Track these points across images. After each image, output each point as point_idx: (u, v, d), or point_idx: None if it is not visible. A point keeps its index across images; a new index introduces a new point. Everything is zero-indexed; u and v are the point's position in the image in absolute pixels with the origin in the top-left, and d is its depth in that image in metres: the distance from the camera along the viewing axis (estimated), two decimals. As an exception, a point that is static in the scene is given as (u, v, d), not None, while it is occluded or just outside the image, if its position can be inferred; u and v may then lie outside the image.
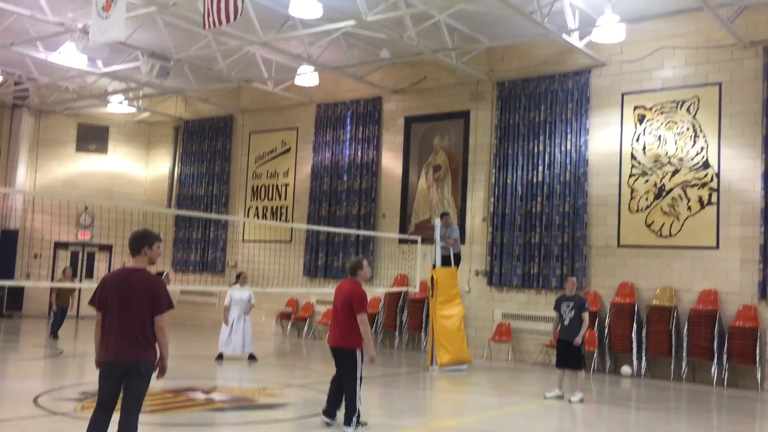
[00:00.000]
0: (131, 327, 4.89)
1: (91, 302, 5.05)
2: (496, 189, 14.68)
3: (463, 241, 14.48)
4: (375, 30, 12.52)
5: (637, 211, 13.15)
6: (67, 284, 14.69)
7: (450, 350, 12.36)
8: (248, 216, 18.94)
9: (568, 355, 9.74)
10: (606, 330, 12.97)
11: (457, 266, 13.33)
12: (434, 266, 13.00)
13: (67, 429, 7.07)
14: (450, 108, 15.69)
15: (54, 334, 14.87)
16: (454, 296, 12.92)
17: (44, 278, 19.43)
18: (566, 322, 9.75)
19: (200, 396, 9.02)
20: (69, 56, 14.90)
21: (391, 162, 16.55)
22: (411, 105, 16.38)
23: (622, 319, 12.81)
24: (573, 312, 9.71)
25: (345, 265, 7.63)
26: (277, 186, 18.61)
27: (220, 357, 12.71)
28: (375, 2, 11.69)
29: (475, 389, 11.20)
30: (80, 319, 18.32)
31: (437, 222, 13.21)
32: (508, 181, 14.55)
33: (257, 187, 18.99)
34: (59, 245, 20.30)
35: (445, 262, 13.05)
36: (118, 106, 19.96)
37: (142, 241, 5.08)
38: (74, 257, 20.59)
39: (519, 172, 14.44)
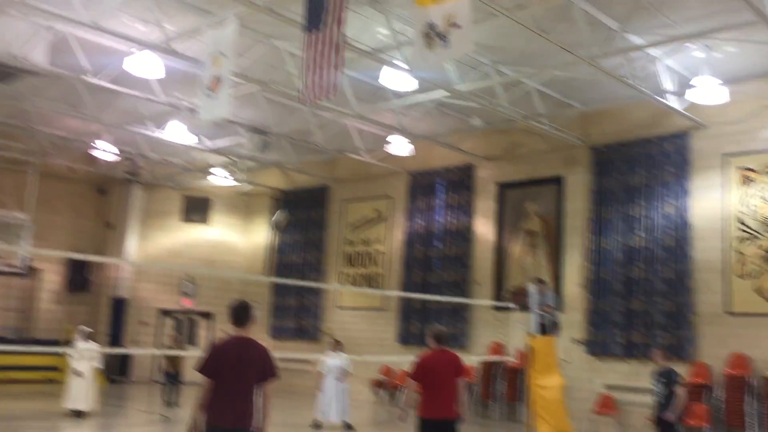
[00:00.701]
0: (246, 394, 5.16)
1: (201, 370, 5.18)
2: (593, 254, 14.30)
3: (560, 308, 14.10)
4: (466, 99, 12.71)
5: (747, 277, 12.48)
6: (175, 351, 15.09)
7: (550, 422, 11.91)
8: (342, 283, 19.17)
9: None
10: (718, 404, 12.19)
11: (555, 334, 12.96)
12: (531, 334, 12.69)
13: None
14: (543, 174, 15.57)
15: (168, 400, 15.18)
16: (552, 366, 12.52)
17: (150, 345, 20.20)
18: (659, 398, 9.24)
19: (297, 465, 9.02)
20: (177, 133, 15.85)
21: (484, 228, 16.48)
22: (503, 171, 16.37)
23: (736, 393, 12.02)
24: (663, 387, 9.17)
25: (435, 333, 7.51)
26: (370, 253, 18.82)
27: (316, 425, 12.73)
28: (466, 72, 11.93)
29: (578, 465, 10.69)
30: (184, 385, 18.81)
31: (532, 288, 12.96)
32: (606, 246, 14.17)
33: (351, 254, 19.26)
34: (164, 313, 21.12)
35: (542, 330, 12.72)
36: (220, 178, 20.92)
37: (250, 311, 5.41)
38: (178, 324, 21.34)
39: (617, 237, 14.05)
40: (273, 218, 12.85)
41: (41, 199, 19.83)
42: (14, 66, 11.49)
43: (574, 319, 14.49)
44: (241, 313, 5.37)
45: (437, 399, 7.10)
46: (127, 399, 17.31)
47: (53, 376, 18.41)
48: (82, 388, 12.87)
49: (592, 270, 14.27)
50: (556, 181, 15.32)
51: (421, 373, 7.19)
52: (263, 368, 5.25)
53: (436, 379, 7.13)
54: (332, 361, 12.92)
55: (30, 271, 19.57)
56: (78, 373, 12.90)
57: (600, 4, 9.97)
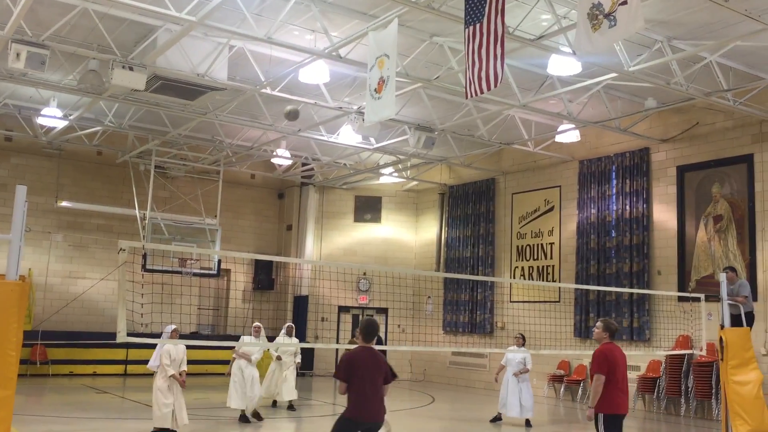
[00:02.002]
0: (379, 392, 6.27)
1: (338, 375, 6.30)
2: (793, 238, 13.04)
3: (755, 297, 13.00)
4: (638, 80, 12.06)
5: None
6: (354, 346, 15.69)
7: (748, 421, 10.98)
8: (514, 276, 18.93)
9: None
10: None
11: (750, 326, 11.95)
12: (722, 326, 11.80)
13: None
14: (729, 153, 14.42)
15: None
16: (748, 360, 11.53)
17: (331, 341, 21.16)
18: None
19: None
20: (346, 136, 16.45)
21: (663, 215, 15.56)
22: (683, 153, 15.36)
23: None
24: None
25: (609, 326, 7.27)
26: (542, 245, 18.43)
27: (496, 419, 12.70)
28: (637, 51, 11.32)
29: (784, 468, 9.80)
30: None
31: (722, 277, 12.04)
32: (807, 228, 12.86)
33: (522, 247, 18.97)
34: (342, 309, 22.01)
35: (736, 321, 11.78)
36: (389, 177, 21.43)
37: (377, 330, 6.58)
38: (355, 320, 22.14)
39: (820, 218, 12.71)
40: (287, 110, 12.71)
41: (227, 205, 21.43)
42: (200, 84, 12.46)
43: (772, 309, 13.31)
44: (370, 331, 6.48)
45: (621, 394, 6.98)
46: (312, 391, 18.24)
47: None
48: (284, 379, 13.62)
49: (792, 255, 13.01)
50: (745, 160, 14.12)
51: (606, 367, 6.95)
52: (386, 373, 6.41)
53: (618, 374, 6.97)
54: (512, 354, 12.84)
55: (221, 272, 21.19)
56: (281, 364, 13.72)
57: (789, -38, 9.07)
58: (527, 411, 12.48)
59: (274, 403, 13.86)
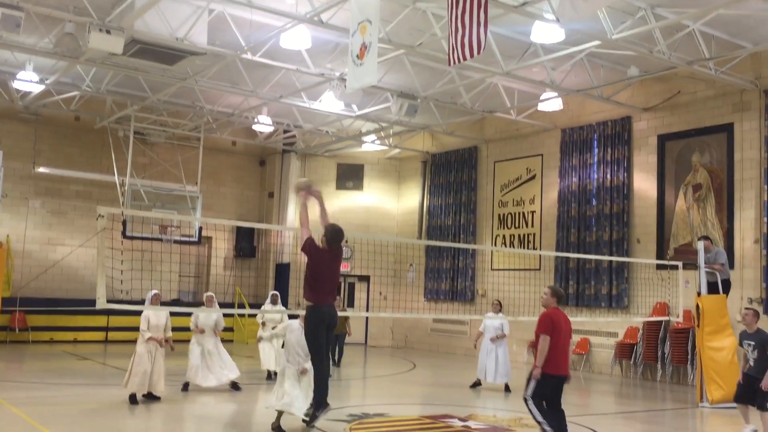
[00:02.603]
0: (336, 284, 7.94)
1: (303, 249, 7.63)
2: (770, 207, 13.19)
3: (732, 265, 13.19)
4: (621, 48, 12.04)
5: None
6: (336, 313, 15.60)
7: (722, 386, 11.25)
8: (496, 245, 19.04)
9: (753, 391, 8.57)
10: None
11: (726, 293, 12.16)
12: (699, 294, 12.00)
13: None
14: (709, 122, 14.50)
15: (333, 360, 15.82)
16: (724, 326, 11.78)
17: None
18: (751, 362, 8.78)
19: (457, 423, 9.18)
20: (328, 103, 16.32)
21: (643, 183, 15.67)
22: (664, 122, 15.42)
23: None
24: (756, 352, 8.68)
25: (558, 293, 7.66)
26: (523, 213, 18.52)
27: (476, 384, 12.86)
28: (620, 19, 11.28)
29: (755, 431, 10.04)
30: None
31: (700, 245, 12.20)
32: (784, 197, 13.01)
33: (504, 215, 19.04)
34: (324, 276, 22.01)
35: (712, 289, 11.98)
36: (371, 145, 21.33)
37: (342, 237, 7.78)
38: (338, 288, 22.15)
39: (797, 188, 12.86)
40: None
41: (208, 172, 21.26)
42: (179, 48, 12.26)
43: (747, 276, 13.53)
44: (337, 238, 7.72)
45: (563, 356, 7.35)
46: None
47: (228, 337, 19.83)
48: (272, 349, 13.46)
49: (768, 224, 13.18)
50: (725, 129, 14.21)
51: (551, 329, 7.33)
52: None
53: (561, 337, 7.34)
54: (490, 321, 12.97)
55: (202, 240, 21.08)
56: (265, 336, 13.56)
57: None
58: (504, 376, 12.66)
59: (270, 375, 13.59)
